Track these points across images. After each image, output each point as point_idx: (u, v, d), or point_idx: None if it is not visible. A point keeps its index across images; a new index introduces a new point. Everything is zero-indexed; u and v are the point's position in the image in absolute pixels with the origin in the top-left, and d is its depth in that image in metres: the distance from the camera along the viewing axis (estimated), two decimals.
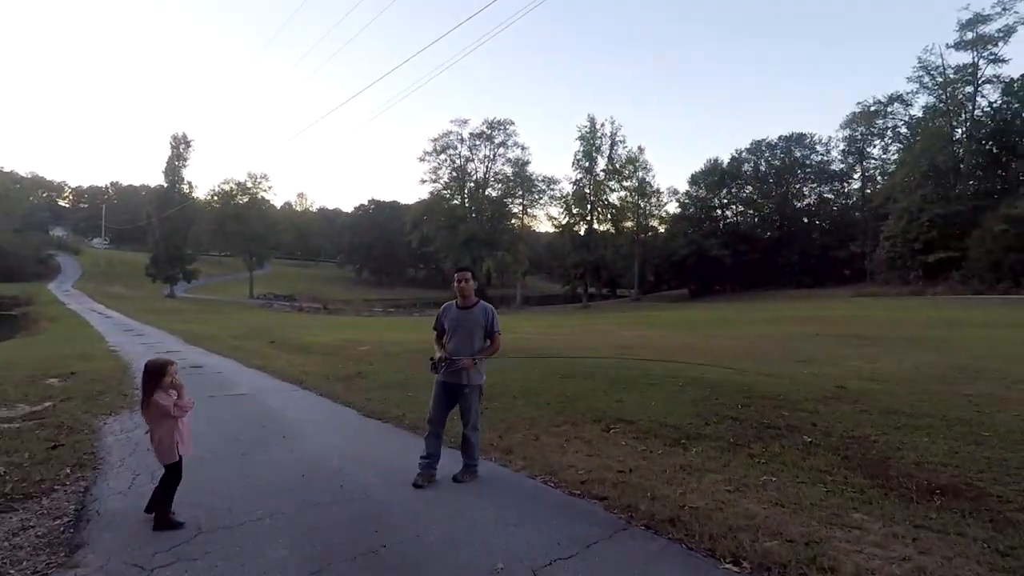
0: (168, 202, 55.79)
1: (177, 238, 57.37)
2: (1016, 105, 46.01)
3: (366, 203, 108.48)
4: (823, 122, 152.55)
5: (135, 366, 11.48)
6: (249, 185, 68.47)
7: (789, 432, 5.44)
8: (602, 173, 63.49)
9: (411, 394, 8.33)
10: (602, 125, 63.50)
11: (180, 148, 59.51)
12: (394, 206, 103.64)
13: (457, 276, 4.74)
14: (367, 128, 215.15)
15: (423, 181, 67.52)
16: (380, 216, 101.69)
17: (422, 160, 65.64)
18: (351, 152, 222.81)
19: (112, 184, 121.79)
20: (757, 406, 6.54)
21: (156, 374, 3.74)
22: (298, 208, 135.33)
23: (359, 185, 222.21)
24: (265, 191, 70.09)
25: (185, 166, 59.80)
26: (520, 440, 5.62)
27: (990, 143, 46.08)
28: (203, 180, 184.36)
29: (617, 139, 63.42)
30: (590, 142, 62.60)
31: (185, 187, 60.35)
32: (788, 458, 4.76)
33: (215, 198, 68.17)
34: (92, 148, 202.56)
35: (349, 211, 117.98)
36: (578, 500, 4.13)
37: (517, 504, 4.04)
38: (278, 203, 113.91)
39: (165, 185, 59.71)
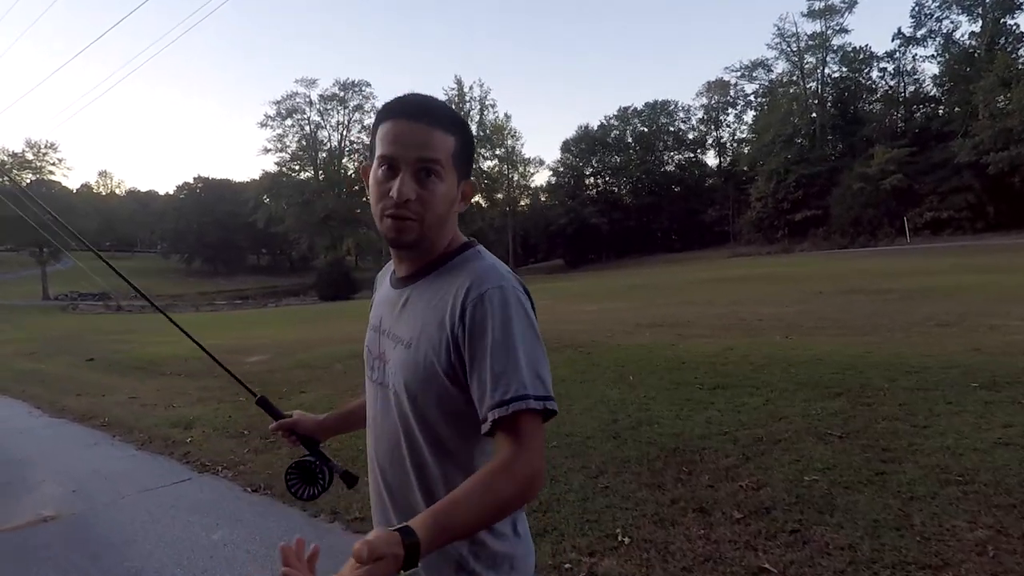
0: None
1: None
2: (854, 74, 49.86)
3: (191, 181, 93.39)
4: (691, 87, 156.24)
5: None
6: (30, 157, 53.85)
7: None
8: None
9: None
10: (470, 88, 59.12)
11: None
12: (227, 184, 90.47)
13: (389, 132, 0.85)
14: (175, 93, 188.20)
15: (267, 151, 58.74)
16: (210, 196, 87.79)
17: (264, 126, 56.93)
18: (163, 124, 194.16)
19: None
20: None
21: None
22: (101, 191, 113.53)
23: (178, 163, 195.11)
24: (54, 165, 55.73)
25: None
26: None
27: (835, 109, 49.51)
28: None
29: (487, 103, 59.53)
30: (458, 106, 57.80)
31: None
32: None
33: None
34: None
35: (169, 192, 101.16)
36: None
37: None
38: (75, 184, 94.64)
39: None
